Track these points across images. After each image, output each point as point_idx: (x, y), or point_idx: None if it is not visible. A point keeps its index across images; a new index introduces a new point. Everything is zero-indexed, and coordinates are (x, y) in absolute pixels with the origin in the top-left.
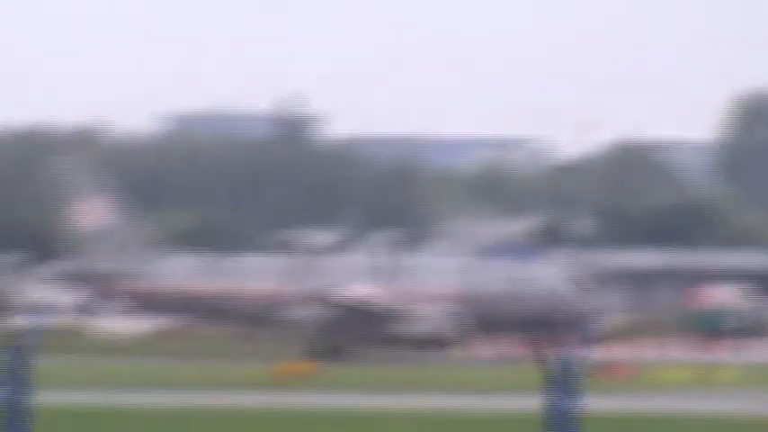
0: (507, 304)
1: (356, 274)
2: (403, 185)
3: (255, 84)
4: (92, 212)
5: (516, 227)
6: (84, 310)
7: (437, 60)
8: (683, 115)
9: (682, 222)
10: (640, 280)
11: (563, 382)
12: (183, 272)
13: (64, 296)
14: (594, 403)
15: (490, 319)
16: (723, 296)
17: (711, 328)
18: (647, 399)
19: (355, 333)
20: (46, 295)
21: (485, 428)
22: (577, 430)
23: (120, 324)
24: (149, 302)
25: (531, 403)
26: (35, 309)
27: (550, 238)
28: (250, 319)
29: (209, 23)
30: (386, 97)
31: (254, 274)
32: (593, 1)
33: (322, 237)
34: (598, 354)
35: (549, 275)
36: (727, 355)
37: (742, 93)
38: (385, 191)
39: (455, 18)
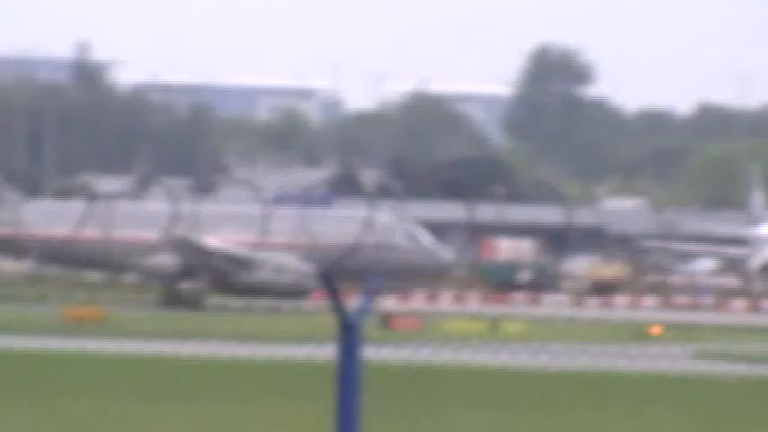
0: (349, 254)
1: (157, 221)
2: (197, 132)
3: (55, 28)
4: None
5: (311, 176)
6: None
7: (229, 7)
8: (476, 68)
9: (474, 175)
10: (434, 231)
11: (349, 332)
12: (37, 218)
13: None
14: (380, 353)
15: (334, 270)
16: (514, 249)
17: (503, 280)
18: (434, 349)
19: (212, 281)
20: None
21: (271, 374)
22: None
23: None
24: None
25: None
26: None
27: (345, 188)
28: (110, 266)
29: None
30: (180, 43)
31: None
32: None
33: (116, 183)
34: (390, 304)
35: (386, 226)
36: (517, 307)
37: (533, 48)
38: (179, 137)
39: None
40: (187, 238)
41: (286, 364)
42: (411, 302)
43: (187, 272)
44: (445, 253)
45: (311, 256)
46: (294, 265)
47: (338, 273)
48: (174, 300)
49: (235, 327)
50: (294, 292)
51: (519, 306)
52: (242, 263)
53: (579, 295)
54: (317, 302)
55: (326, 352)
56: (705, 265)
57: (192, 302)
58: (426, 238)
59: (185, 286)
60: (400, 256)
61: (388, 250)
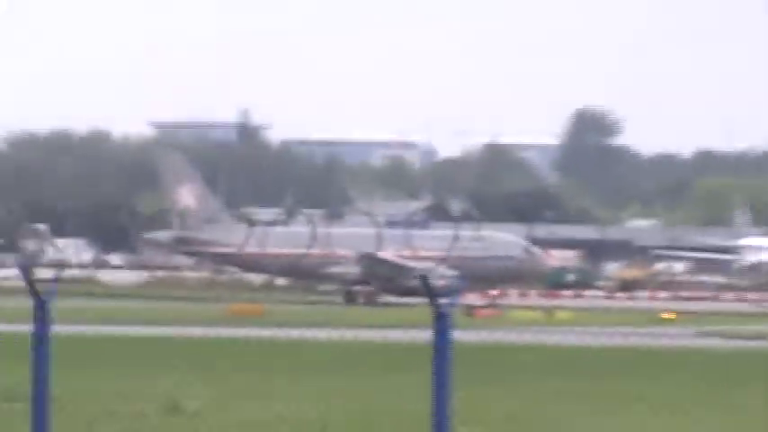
0: (479, 264)
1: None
2: (329, 175)
3: (216, 95)
4: (188, 195)
5: (413, 206)
6: (96, 264)
7: (348, 79)
8: (532, 123)
9: (532, 204)
10: None
11: (442, 321)
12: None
13: (83, 253)
14: (465, 335)
15: (470, 276)
16: (563, 258)
17: (555, 281)
18: (504, 332)
19: (383, 284)
20: (67, 252)
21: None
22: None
23: (122, 275)
24: (232, 262)
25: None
26: (59, 263)
27: (438, 215)
28: (303, 274)
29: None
30: (314, 106)
31: (291, 241)
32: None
33: (269, 213)
34: (473, 299)
35: (509, 242)
36: (566, 301)
37: (577, 106)
38: (315, 179)
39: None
40: (370, 252)
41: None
42: (488, 298)
43: (365, 277)
44: (549, 261)
45: (454, 265)
46: (444, 272)
47: (473, 277)
48: (352, 299)
49: (395, 317)
50: (446, 293)
51: (567, 300)
52: (406, 270)
53: (611, 291)
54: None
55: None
56: (677, 266)
57: (368, 301)
58: (536, 251)
59: (360, 288)
60: (519, 265)
61: (509, 260)
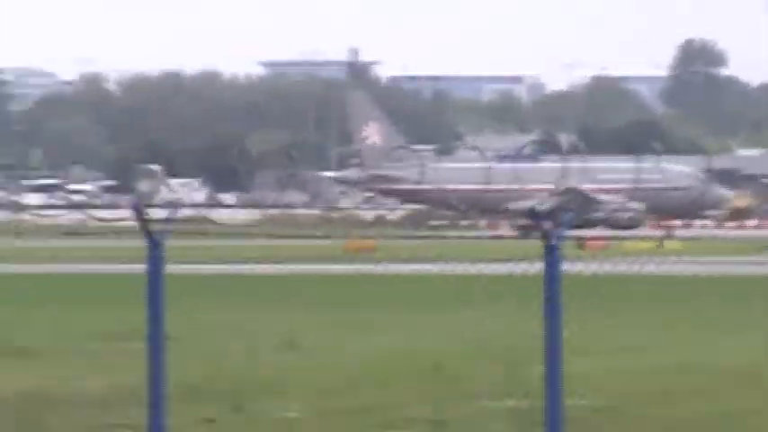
0: (662, 196)
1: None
2: (438, 111)
3: (326, 35)
4: (374, 133)
5: (523, 140)
6: (210, 203)
7: (458, 8)
8: (640, 55)
9: (640, 136)
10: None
11: (551, 252)
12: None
13: (196, 194)
14: (574, 266)
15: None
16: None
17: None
18: (613, 264)
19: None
20: (180, 193)
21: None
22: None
23: (235, 213)
24: (410, 197)
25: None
26: (172, 203)
27: (548, 148)
28: (495, 210)
29: None
30: (422, 42)
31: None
32: None
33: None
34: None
35: (686, 173)
36: (677, 230)
37: (683, 38)
38: (424, 115)
39: None
40: (573, 186)
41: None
42: (598, 230)
43: (557, 210)
44: (722, 191)
45: (637, 197)
46: (630, 204)
47: (656, 209)
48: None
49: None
50: (632, 224)
51: (678, 230)
52: (596, 203)
53: (721, 220)
54: (649, 231)
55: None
56: None
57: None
58: (711, 182)
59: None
60: (698, 196)
61: (688, 190)
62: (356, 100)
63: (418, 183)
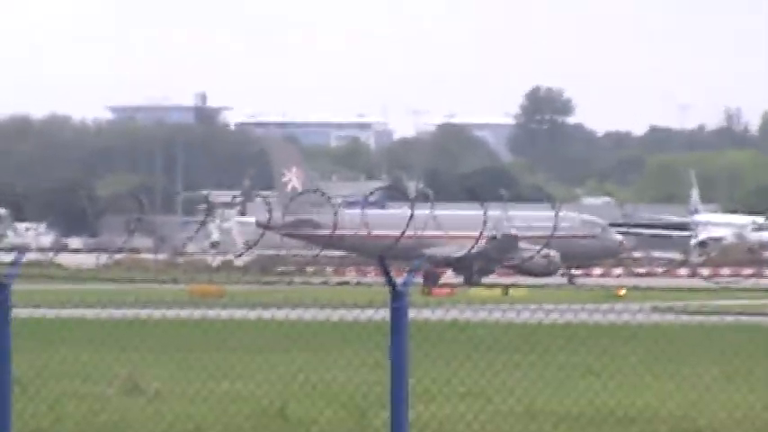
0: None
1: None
2: None
3: (172, 79)
4: (294, 178)
5: (370, 186)
6: (56, 247)
7: (299, 60)
8: (486, 104)
9: (488, 183)
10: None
11: (399, 298)
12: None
13: (43, 238)
14: (421, 313)
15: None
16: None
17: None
18: (459, 310)
19: (496, 261)
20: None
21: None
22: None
23: (82, 258)
24: (330, 243)
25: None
26: (18, 247)
27: (395, 195)
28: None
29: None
30: (269, 90)
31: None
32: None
33: (227, 195)
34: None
35: (589, 221)
36: (521, 279)
37: (530, 87)
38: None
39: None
40: (510, 233)
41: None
42: (444, 277)
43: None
44: (617, 240)
45: (556, 246)
46: (549, 252)
47: (568, 257)
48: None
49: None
50: (549, 271)
51: (523, 278)
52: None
53: (566, 269)
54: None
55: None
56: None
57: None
58: (611, 231)
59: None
60: (601, 243)
61: (593, 239)
62: (277, 145)
63: (339, 228)
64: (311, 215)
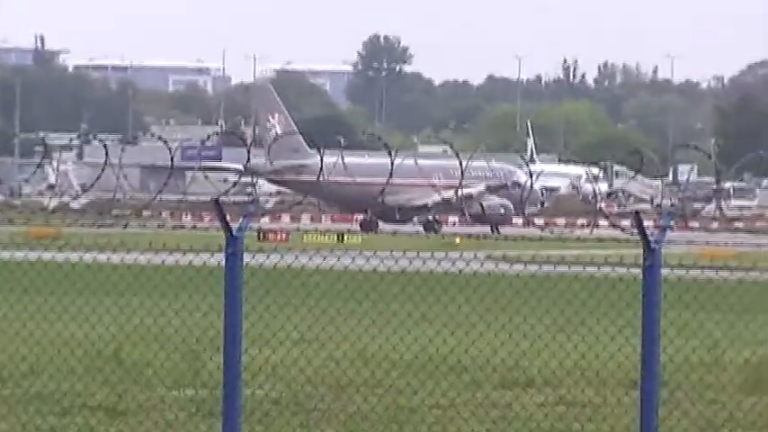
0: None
1: None
2: (125, 101)
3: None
4: (276, 125)
5: (207, 131)
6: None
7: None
8: (325, 51)
9: (324, 130)
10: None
11: (233, 243)
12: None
13: None
14: (255, 259)
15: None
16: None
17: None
18: (294, 256)
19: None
20: None
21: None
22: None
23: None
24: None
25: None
26: None
27: (232, 140)
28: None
29: None
30: (108, 33)
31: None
32: None
33: (65, 139)
34: (261, 223)
35: (512, 170)
36: (348, 224)
37: (368, 36)
38: (111, 106)
39: None
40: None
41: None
42: (280, 222)
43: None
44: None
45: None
46: (501, 201)
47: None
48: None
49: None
50: (505, 220)
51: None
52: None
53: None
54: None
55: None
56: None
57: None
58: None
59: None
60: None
61: (517, 186)
62: (261, 91)
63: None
64: (293, 161)
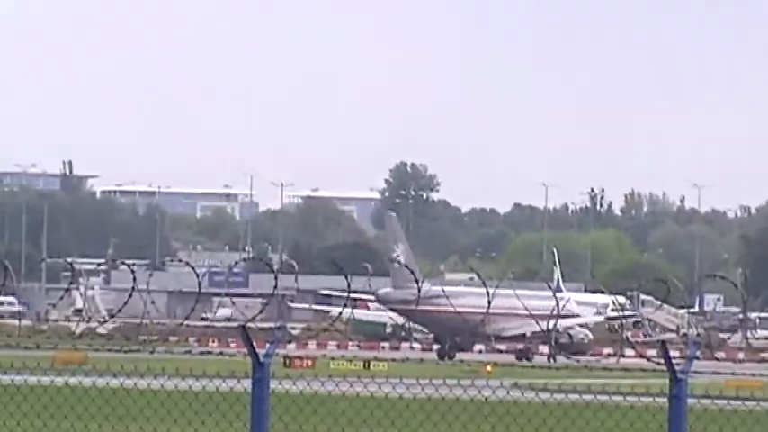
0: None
1: None
2: (152, 226)
3: (39, 144)
4: (401, 254)
5: (234, 257)
6: None
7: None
8: (351, 178)
9: (353, 257)
10: (319, 298)
11: (260, 370)
12: None
13: None
14: (281, 385)
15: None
16: (376, 311)
17: (373, 333)
18: (321, 382)
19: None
20: None
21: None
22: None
23: None
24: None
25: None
26: None
27: (258, 266)
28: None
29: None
30: (138, 158)
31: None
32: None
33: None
34: (288, 349)
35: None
36: (384, 352)
37: (398, 163)
38: (139, 230)
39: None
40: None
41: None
42: (306, 348)
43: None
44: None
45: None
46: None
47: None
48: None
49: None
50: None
51: (385, 352)
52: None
53: (430, 344)
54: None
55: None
56: None
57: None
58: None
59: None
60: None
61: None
62: (391, 222)
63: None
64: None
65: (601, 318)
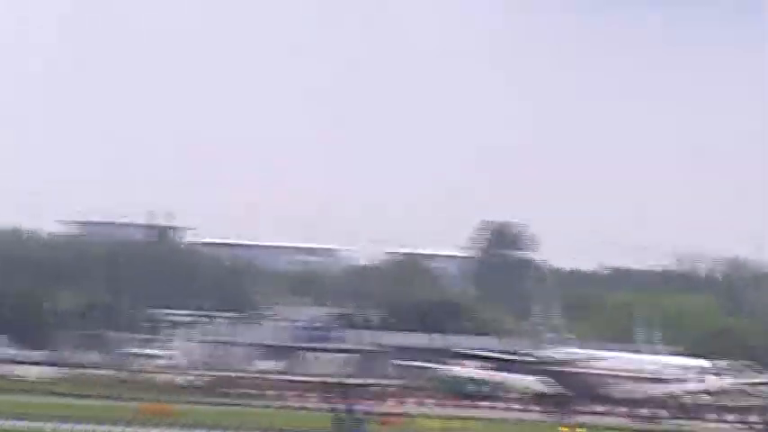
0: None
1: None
2: (239, 280)
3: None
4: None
5: (323, 313)
6: (15, 359)
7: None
8: (444, 236)
9: (441, 314)
10: (409, 355)
11: (352, 427)
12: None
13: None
14: None
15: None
16: (468, 369)
17: (459, 391)
18: None
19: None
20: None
21: None
22: None
23: (40, 370)
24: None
25: None
26: None
27: (347, 323)
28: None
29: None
30: (222, 210)
31: None
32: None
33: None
34: (375, 407)
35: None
36: (470, 411)
37: (488, 220)
38: (226, 283)
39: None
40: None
41: None
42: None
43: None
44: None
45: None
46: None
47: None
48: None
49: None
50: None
51: (476, 410)
52: None
53: (525, 403)
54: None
55: None
56: None
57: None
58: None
59: None
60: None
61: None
62: (538, 288)
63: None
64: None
65: (724, 382)
